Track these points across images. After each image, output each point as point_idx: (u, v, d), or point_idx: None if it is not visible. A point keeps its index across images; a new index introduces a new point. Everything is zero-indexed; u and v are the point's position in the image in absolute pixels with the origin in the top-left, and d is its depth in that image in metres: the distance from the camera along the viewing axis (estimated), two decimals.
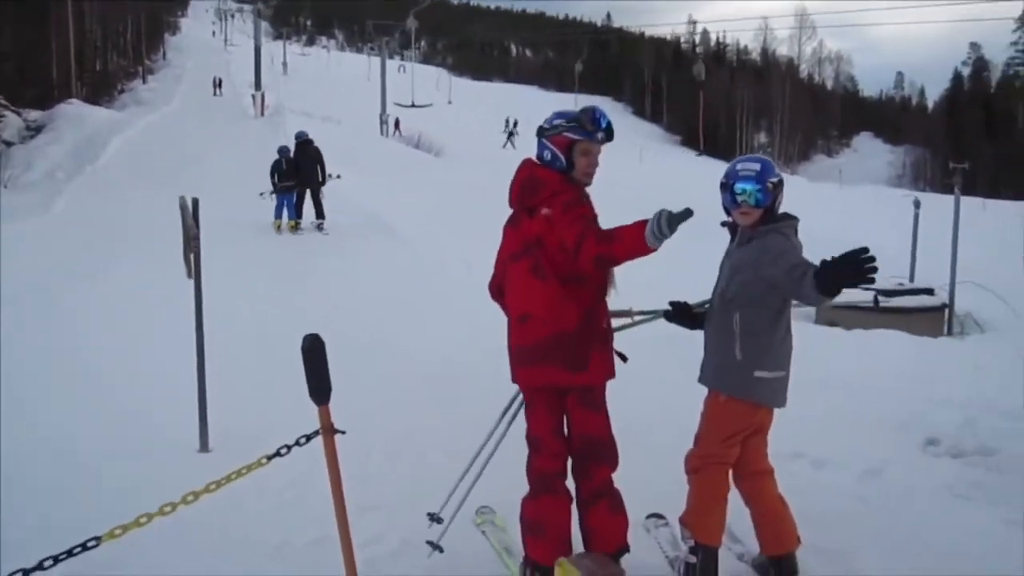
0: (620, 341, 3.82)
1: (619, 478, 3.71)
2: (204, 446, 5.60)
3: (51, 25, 35.37)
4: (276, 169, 16.72)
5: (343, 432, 3.01)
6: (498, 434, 4.01)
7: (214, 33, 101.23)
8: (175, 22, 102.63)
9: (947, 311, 12.80)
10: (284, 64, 72.08)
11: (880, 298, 12.06)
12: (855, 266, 2.83)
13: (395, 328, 9.12)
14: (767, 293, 3.39)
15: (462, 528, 3.96)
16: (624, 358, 3.78)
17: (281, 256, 14.20)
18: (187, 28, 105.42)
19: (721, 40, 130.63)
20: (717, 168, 3.73)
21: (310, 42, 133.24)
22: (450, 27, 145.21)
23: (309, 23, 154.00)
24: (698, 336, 3.77)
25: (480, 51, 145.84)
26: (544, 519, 3.62)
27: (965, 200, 14.89)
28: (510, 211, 3.78)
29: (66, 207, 18.54)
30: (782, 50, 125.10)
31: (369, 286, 11.73)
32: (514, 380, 3.74)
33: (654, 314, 4.24)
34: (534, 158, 3.69)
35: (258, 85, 41.20)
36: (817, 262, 3.06)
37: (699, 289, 3.95)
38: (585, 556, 3.48)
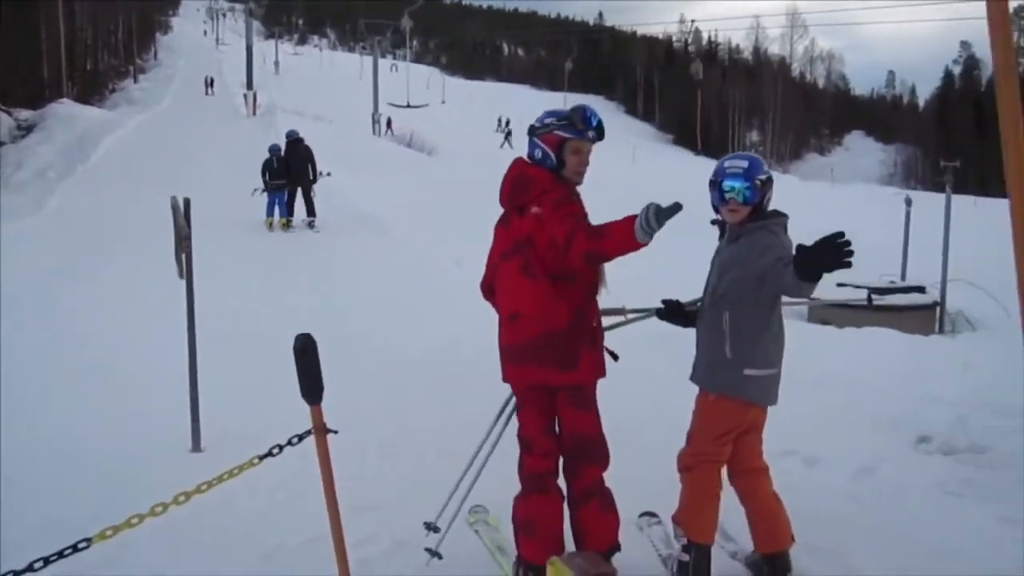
0: (612, 339, 3.82)
1: (611, 477, 3.71)
2: (196, 446, 5.58)
3: (42, 24, 35.23)
4: (267, 167, 16.75)
5: (335, 432, 3.01)
6: (492, 438, 4.01)
7: (205, 32, 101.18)
8: (166, 21, 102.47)
9: (938, 309, 12.84)
10: (276, 63, 71.87)
11: (873, 296, 12.09)
12: (832, 249, 2.79)
13: (386, 326, 9.11)
14: (757, 290, 3.37)
15: (455, 528, 3.96)
16: (615, 356, 3.78)
17: (273, 254, 14.19)
18: (178, 27, 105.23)
19: (713, 39, 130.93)
20: (710, 167, 3.73)
21: (302, 41, 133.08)
22: (442, 26, 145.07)
23: (301, 22, 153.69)
24: (690, 334, 3.77)
25: (472, 50, 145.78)
26: (536, 518, 3.62)
27: (956, 198, 14.93)
28: (502, 210, 3.78)
29: (58, 207, 18.48)
30: (774, 49, 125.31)
31: (360, 284, 11.73)
32: (505, 379, 3.74)
33: (646, 312, 4.24)
34: (525, 157, 3.69)
35: (250, 84, 41.22)
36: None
37: (693, 286, 3.95)
38: (577, 555, 3.48)
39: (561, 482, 3.71)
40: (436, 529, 3.94)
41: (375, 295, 11.01)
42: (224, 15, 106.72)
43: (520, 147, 3.78)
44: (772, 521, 3.68)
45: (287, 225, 16.60)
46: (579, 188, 3.65)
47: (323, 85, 65.28)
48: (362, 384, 6.65)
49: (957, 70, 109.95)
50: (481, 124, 64.22)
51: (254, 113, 38.29)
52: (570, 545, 3.66)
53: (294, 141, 16.92)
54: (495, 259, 3.80)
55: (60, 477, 5.05)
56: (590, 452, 3.65)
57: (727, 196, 3.48)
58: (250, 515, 4.49)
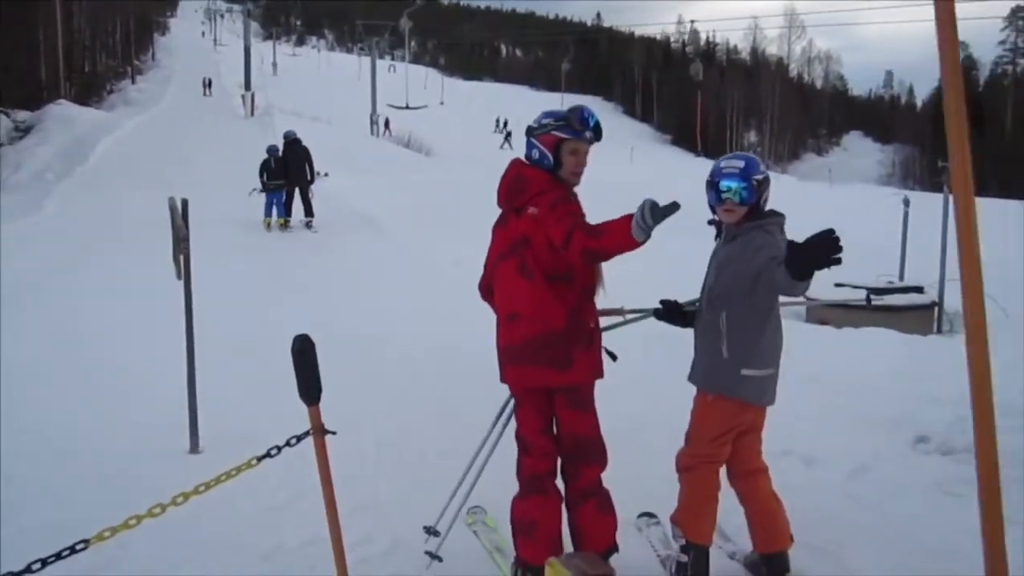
0: (611, 340, 3.82)
1: (610, 477, 3.71)
2: (195, 447, 5.57)
3: (39, 25, 35.22)
4: (265, 168, 16.81)
5: (334, 433, 3.00)
6: (491, 440, 4.00)
7: (203, 33, 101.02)
8: (164, 22, 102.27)
9: (937, 309, 12.82)
10: (274, 64, 71.97)
11: (872, 296, 12.07)
12: (822, 246, 2.77)
13: (384, 326, 9.11)
14: (752, 290, 3.36)
15: (454, 529, 3.96)
16: (614, 357, 3.78)
17: (271, 255, 14.20)
18: (176, 28, 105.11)
19: (711, 40, 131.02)
20: (707, 167, 3.74)
21: (300, 42, 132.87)
22: (440, 27, 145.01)
23: (299, 23, 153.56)
24: (689, 334, 3.77)
25: (470, 51, 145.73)
26: (534, 519, 3.62)
27: (954, 199, 14.89)
28: (500, 211, 3.78)
29: (56, 208, 18.49)
30: (771, 49, 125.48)
31: (358, 285, 11.73)
32: (503, 379, 3.74)
33: (645, 313, 4.24)
34: (522, 158, 3.69)
35: (248, 85, 41.23)
36: None
37: (693, 286, 3.95)
38: (575, 556, 3.47)
39: (560, 483, 3.72)
40: (436, 533, 3.94)
41: (373, 295, 11.02)
42: (222, 16, 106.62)
43: (520, 148, 3.77)
44: (771, 521, 3.68)
45: (285, 225, 16.65)
46: (576, 189, 3.65)
47: (321, 86, 65.37)
48: (360, 384, 6.65)
49: None
50: (479, 125, 64.22)
51: (252, 114, 38.31)
52: (568, 546, 3.66)
53: (292, 142, 16.98)
54: (493, 260, 3.79)
55: (58, 478, 5.04)
56: (587, 453, 3.65)
57: (723, 196, 3.47)
58: (248, 516, 4.48)
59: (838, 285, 11.16)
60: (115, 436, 5.78)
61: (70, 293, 10.86)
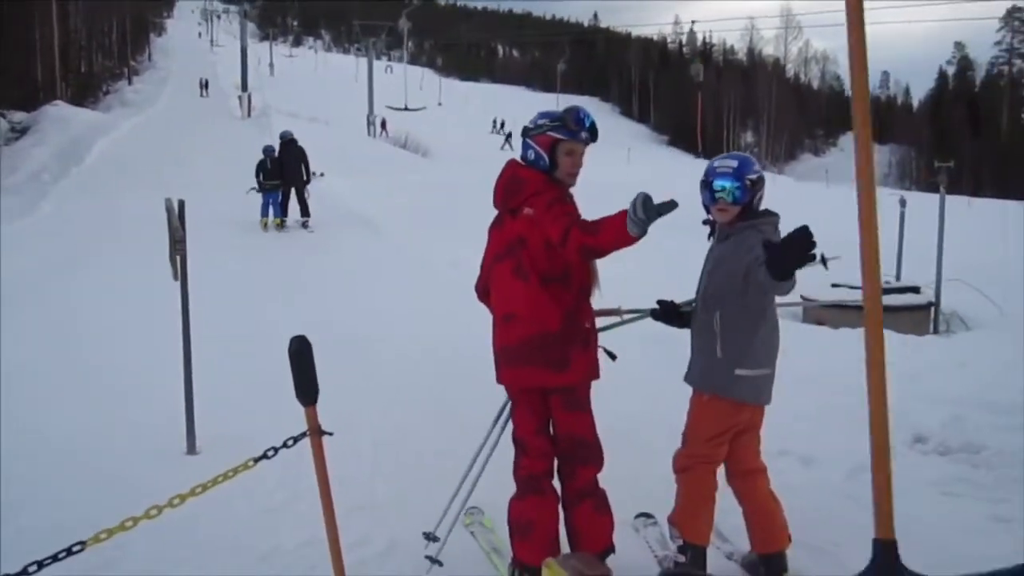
0: (608, 340, 3.82)
1: (607, 477, 3.71)
2: (191, 448, 5.56)
3: (36, 26, 35.18)
4: (261, 168, 16.82)
5: (331, 433, 3.00)
6: (490, 443, 4.00)
7: (200, 34, 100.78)
8: (160, 23, 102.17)
9: (933, 309, 12.85)
10: (271, 65, 71.90)
11: None
12: (796, 245, 2.79)
13: (381, 327, 9.10)
14: (744, 290, 3.36)
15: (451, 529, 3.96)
16: (613, 356, 3.77)
17: (267, 255, 14.19)
18: (172, 29, 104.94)
19: (708, 40, 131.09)
20: (702, 167, 3.76)
21: (297, 43, 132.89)
22: (437, 28, 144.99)
23: (296, 24, 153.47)
24: (686, 335, 3.78)
25: (467, 52, 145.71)
26: (531, 520, 3.62)
27: (950, 198, 14.95)
28: (496, 212, 3.77)
29: (52, 209, 18.47)
30: (768, 50, 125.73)
31: (354, 285, 11.73)
32: (499, 380, 3.74)
33: (642, 313, 4.24)
34: (518, 158, 3.69)
35: (244, 86, 41.20)
36: None
37: (690, 286, 3.95)
38: (572, 556, 3.47)
39: (556, 483, 3.72)
40: (435, 539, 3.94)
41: (369, 296, 11.01)
42: (218, 17, 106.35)
43: (520, 148, 3.77)
44: (769, 521, 3.68)
45: (281, 225, 16.67)
46: (572, 190, 3.64)
47: (318, 87, 65.35)
48: (357, 385, 6.64)
49: (951, 71, 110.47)
50: (476, 126, 64.22)
51: (249, 115, 38.30)
52: (565, 546, 3.66)
53: (288, 142, 17.02)
54: (489, 261, 3.79)
55: (55, 480, 5.03)
56: (584, 453, 3.64)
57: (717, 195, 3.48)
58: (246, 517, 4.48)
59: (835, 285, 11.17)
60: (112, 437, 5.77)
61: (67, 294, 10.85)
